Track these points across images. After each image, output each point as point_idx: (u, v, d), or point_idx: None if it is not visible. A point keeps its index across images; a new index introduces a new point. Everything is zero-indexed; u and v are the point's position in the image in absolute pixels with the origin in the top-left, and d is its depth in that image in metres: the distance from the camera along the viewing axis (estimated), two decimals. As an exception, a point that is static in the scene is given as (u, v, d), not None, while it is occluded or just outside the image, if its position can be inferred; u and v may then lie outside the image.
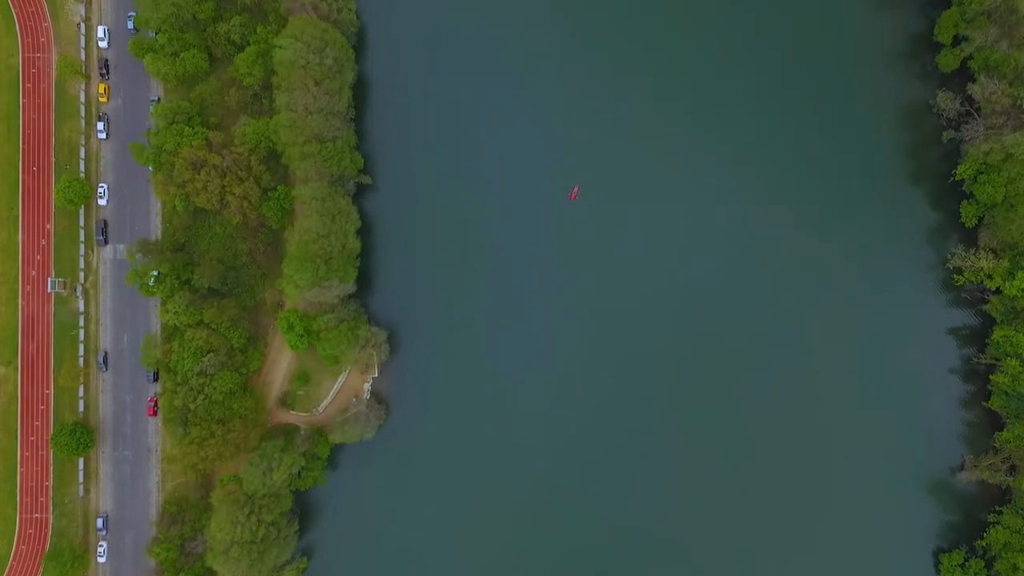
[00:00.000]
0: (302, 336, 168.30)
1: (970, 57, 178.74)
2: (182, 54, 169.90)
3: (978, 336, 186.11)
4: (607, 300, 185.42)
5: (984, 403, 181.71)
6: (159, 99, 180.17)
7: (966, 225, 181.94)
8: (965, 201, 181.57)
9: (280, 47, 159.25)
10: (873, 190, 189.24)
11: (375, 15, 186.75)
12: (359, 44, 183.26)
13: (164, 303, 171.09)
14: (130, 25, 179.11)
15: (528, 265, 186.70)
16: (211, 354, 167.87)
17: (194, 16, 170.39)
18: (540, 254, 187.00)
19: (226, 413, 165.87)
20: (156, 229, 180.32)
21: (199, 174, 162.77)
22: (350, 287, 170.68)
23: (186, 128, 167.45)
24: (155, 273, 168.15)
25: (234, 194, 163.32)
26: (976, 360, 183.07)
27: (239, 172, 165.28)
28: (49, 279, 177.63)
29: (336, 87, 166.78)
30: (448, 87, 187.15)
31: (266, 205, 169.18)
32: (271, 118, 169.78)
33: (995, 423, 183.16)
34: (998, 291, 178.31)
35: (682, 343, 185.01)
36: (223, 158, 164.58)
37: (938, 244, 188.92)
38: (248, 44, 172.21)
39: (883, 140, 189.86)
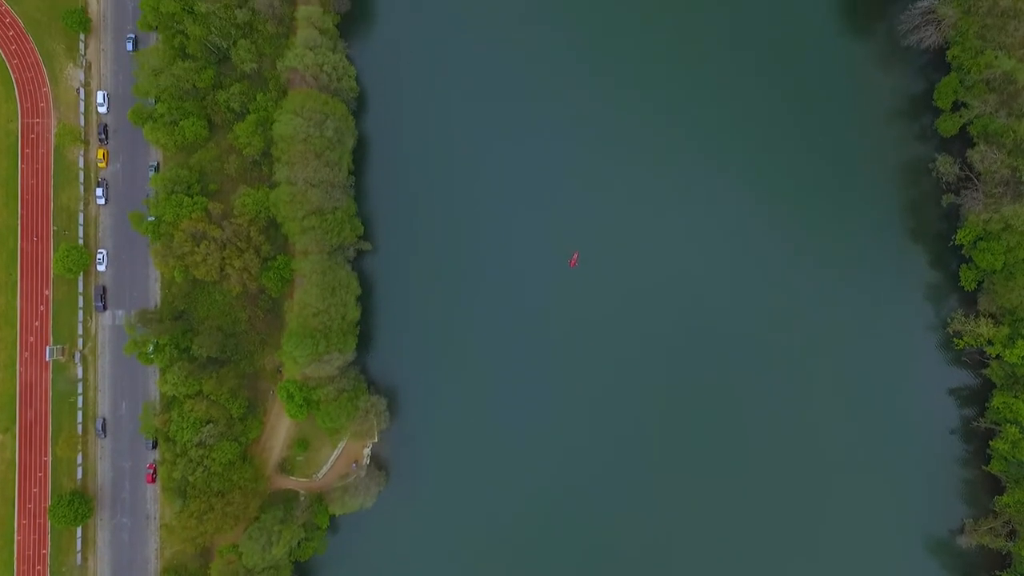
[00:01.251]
0: (302, 406, 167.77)
1: (969, 123, 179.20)
2: (181, 122, 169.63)
3: (978, 397, 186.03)
4: (610, 360, 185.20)
5: (983, 467, 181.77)
6: (158, 165, 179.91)
7: (965, 289, 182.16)
8: (964, 265, 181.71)
9: (280, 122, 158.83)
10: (874, 248, 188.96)
11: (375, 75, 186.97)
12: (359, 104, 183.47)
13: (163, 373, 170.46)
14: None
15: (527, 327, 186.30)
16: (210, 424, 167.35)
17: (194, 84, 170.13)
18: (538, 315, 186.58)
19: (225, 485, 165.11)
20: (155, 295, 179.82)
21: (199, 247, 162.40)
22: (350, 356, 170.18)
23: (185, 199, 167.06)
24: (154, 342, 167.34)
25: (234, 266, 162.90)
26: (976, 423, 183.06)
27: (239, 243, 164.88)
28: (48, 347, 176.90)
29: (336, 156, 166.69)
30: (448, 145, 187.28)
31: (266, 275, 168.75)
32: (271, 188, 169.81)
33: (995, 485, 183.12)
34: (998, 356, 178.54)
35: (695, 407, 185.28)
36: (223, 230, 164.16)
37: (938, 303, 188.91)
38: (248, 112, 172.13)
39: (883, 198, 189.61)
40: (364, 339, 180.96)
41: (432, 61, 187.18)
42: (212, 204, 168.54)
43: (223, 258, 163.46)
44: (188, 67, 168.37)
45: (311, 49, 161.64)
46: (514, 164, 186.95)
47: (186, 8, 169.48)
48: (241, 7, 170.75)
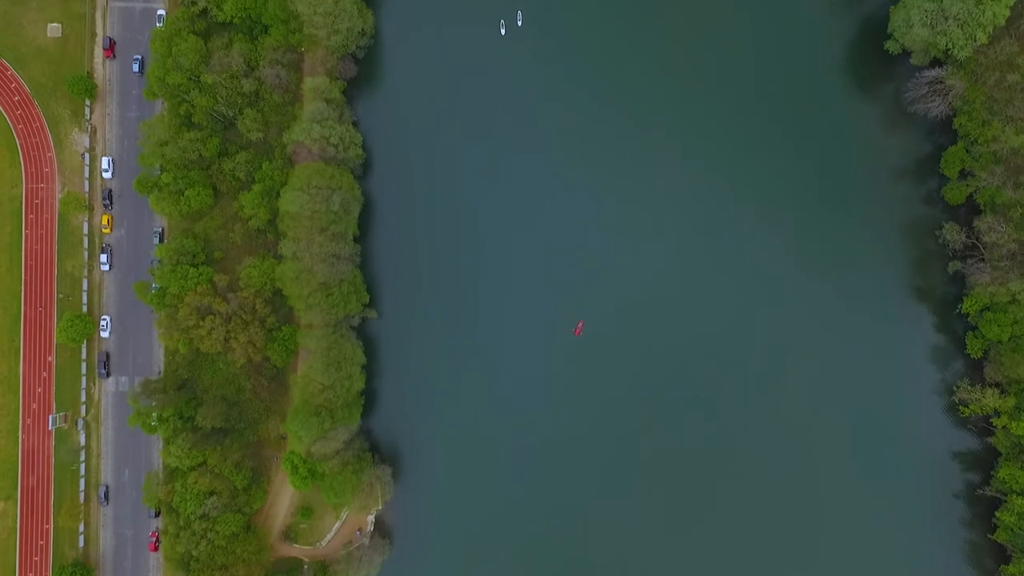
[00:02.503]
0: (306, 478, 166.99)
1: (976, 191, 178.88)
2: (187, 192, 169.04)
3: (983, 463, 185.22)
4: (615, 413, 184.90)
5: (989, 535, 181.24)
6: (163, 231, 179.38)
7: (971, 356, 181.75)
8: (971, 333, 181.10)
9: (286, 199, 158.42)
10: (879, 308, 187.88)
11: (379, 133, 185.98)
12: (364, 164, 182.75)
13: (167, 445, 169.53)
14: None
15: (529, 389, 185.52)
16: (214, 497, 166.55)
17: (199, 154, 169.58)
18: (541, 377, 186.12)
19: (229, 558, 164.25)
20: (158, 361, 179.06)
21: (203, 320, 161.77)
22: (355, 428, 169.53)
23: (190, 270, 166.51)
24: (158, 414, 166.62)
25: (239, 340, 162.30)
26: (981, 490, 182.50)
27: (244, 315, 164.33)
28: (50, 416, 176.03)
29: (342, 228, 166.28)
30: (453, 203, 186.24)
31: (271, 347, 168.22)
32: (276, 257, 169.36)
33: (1000, 551, 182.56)
34: (1004, 427, 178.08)
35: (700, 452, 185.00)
36: (228, 303, 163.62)
37: (943, 366, 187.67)
38: (253, 181, 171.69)
39: (890, 258, 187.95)
40: (368, 400, 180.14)
41: (437, 120, 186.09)
42: (217, 276, 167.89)
43: (228, 331, 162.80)
44: (194, 137, 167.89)
45: (318, 123, 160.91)
46: (517, 221, 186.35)
47: (192, 78, 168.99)
48: (247, 76, 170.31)
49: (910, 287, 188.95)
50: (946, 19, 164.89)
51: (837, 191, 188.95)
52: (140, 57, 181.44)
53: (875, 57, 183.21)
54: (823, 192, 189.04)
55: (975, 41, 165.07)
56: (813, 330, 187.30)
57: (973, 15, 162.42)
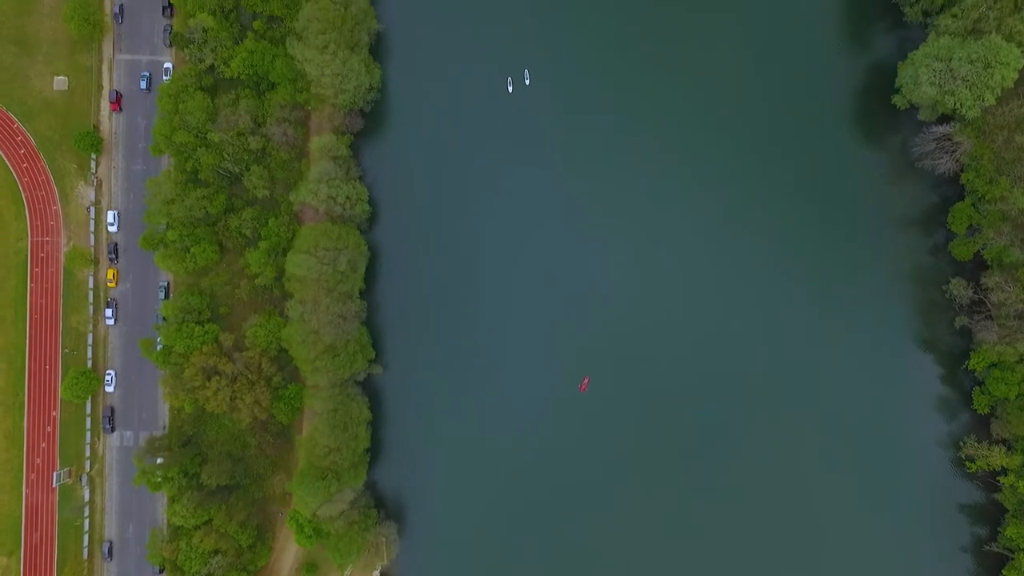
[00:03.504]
0: (311, 536, 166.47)
1: (984, 247, 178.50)
2: (193, 248, 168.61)
3: (990, 518, 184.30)
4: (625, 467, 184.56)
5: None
6: (169, 285, 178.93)
7: (978, 411, 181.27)
8: (977, 388, 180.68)
9: (292, 262, 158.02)
10: (884, 360, 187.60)
11: (385, 186, 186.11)
12: (370, 217, 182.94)
13: (171, 503, 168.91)
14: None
15: (535, 438, 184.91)
16: (219, 556, 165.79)
17: (206, 211, 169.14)
18: (547, 428, 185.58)
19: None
20: (163, 416, 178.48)
21: (209, 382, 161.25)
22: (360, 487, 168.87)
23: (196, 328, 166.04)
24: (163, 474, 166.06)
25: (244, 401, 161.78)
26: (988, 546, 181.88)
27: (249, 376, 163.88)
28: (55, 473, 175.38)
29: (349, 287, 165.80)
30: (458, 251, 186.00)
31: (276, 406, 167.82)
32: (282, 315, 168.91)
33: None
34: (1012, 485, 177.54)
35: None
36: (234, 363, 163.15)
37: (949, 418, 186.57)
38: (260, 237, 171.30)
39: (896, 308, 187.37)
40: (373, 452, 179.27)
41: (442, 171, 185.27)
42: (223, 335, 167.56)
43: (234, 392, 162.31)
44: (200, 195, 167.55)
45: (325, 183, 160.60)
46: (521, 270, 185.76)
47: (199, 135, 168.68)
48: (254, 134, 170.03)
49: (916, 337, 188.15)
50: (954, 79, 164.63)
51: (843, 238, 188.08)
52: (148, 74, 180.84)
53: (882, 107, 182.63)
54: (828, 239, 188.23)
55: (983, 102, 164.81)
56: (817, 378, 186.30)
57: (981, 77, 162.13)
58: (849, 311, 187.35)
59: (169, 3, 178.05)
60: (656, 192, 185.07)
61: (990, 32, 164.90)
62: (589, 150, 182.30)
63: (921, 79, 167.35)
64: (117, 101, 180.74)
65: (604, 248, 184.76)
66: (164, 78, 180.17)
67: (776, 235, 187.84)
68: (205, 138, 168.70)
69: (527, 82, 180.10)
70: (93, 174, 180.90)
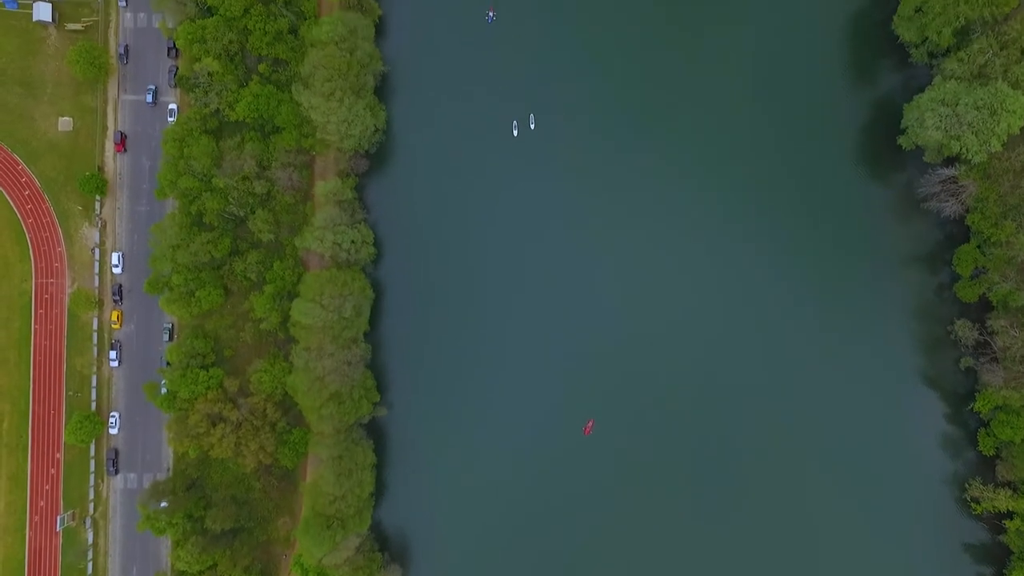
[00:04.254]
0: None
1: (989, 289, 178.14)
2: (198, 292, 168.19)
3: (994, 559, 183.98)
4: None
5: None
6: (173, 327, 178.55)
7: (983, 454, 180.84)
8: (983, 430, 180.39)
9: (297, 310, 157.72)
10: (889, 396, 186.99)
11: (389, 223, 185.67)
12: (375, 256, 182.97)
13: (176, 548, 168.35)
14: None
15: (538, 474, 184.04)
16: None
17: (211, 255, 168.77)
18: (552, 466, 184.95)
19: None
20: (168, 458, 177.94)
21: (214, 428, 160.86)
22: (364, 532, 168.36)
23: (201, 374, 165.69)
24: (167, 520, 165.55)
25: (249, 448, 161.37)
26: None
27: (254, 421, 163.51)
28: (58, 516, 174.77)
29: (354, 332, 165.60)
30: (461, 292, 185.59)
31: (281, 451, 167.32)
32: (287, 359, 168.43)
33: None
34: (1018, 529, 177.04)
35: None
36: (239, 409, 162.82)
37: (954, 455, 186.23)
38: (265, 281, 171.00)
39: (899, 347, 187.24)
40: (377, 491, 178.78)
41: (446, 210, 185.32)
42: (228, 380, 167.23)
43: (238, 438, 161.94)
44: (205, 239, 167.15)
45: (330, 230, 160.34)
46: (524, 309, 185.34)
47: (203, 180, 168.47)
48: (259, 178, 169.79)
49: (921, 375, 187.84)
50: (960, 125, 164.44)
51: (848, 275, 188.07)
52: (154, 87, 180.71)
53: (888, 144, 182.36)
54: (833, 274, 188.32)
55: (990, 148, 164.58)
56: (821, 413, 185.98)
57: (988, 124, 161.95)
58: (855, 346, 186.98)
59: (174, 44, 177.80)
60: (664, 226, 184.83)
61: (996, 78, 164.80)
62: (594, 192, 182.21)
63: (927, 123, 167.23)
64: (122, 142, 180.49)
65: (609, 284, 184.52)
66: (169, 119, 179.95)
67: (780, 271, 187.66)
68: (210, 183, 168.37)
69: (532, 126, 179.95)
70: (98, 215, 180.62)
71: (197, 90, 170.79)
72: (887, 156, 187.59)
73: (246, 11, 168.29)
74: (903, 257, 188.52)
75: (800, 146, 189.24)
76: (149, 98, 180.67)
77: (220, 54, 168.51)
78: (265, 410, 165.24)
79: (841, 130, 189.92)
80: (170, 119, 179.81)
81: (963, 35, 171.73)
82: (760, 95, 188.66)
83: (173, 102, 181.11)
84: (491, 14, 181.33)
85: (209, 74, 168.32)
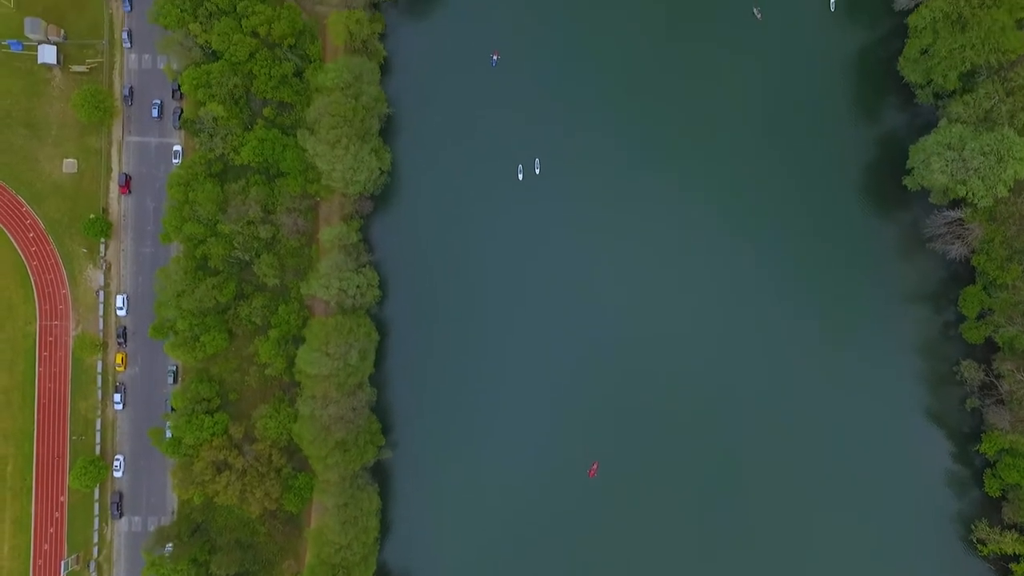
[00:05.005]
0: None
1: (995, 331, 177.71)
2: (203, 337, 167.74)
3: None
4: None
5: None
6: (178, 368, 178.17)
7: (989, 494, 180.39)
8: (989, 471, 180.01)
9: (303, 359, 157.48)
10: (895, 435, 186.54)
11: (393, 262, 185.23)
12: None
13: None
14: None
15: (544, 517, 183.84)
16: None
17: (216, 300, 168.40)
18: (557, 508, 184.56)
19: None
20: (172, 501, 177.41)
21: (219, 475, 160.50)
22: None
23: (206, 419, 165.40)
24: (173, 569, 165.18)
25: (254, 495, 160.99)
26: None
27: (259, 468, 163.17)
28: (63, 561, 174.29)
29: (359, 378, 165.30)
30: (465, 331, 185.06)
31: (286, 496, 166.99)
32: (292, 405, 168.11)
33: None
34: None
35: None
36: (244, 457, 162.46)
37: (960, 493, 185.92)
38: (270, 325, 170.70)
39: (905, 384, 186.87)
40: (381, 531, 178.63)
41: (450, 251, 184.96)
42: (233, 426, 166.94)
43: (244, 485, 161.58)
44: (210, 284, 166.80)
45: (336, 277, 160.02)
46: (529, 348, 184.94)
47: (208, 225, 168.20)
48: (264, 222, 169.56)
49: (927, 412, 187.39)
50: (966, 170, 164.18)
51: (852, 311, 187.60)
52: (159, 102, 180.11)
53: (893, 181, 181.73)
54: (837, 311, 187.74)
55: (996, 194, 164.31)
56: (826, 449, 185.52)
57: (994, 171, 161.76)
58: (859, 381, 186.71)
59: (179, 86, 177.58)
60: (672, 269, 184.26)
61: (1003, 124, 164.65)
62: (599, 238, 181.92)
63: (933, 167, 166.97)
64: (126, 184, 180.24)
65: (615, 328, 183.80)
66: (174, 161, 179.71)
67: (785, 307, 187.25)
68: (215, 228, 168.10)
69: (537, 171, 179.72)
70: (102, 257, 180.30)
71: (202, 135, 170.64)
72: (892, 193, 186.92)
73: (251, 55, 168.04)
74: (909, 293, 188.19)
75: (805, 181, 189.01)
76: (155, 112, 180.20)
77: (225, 98, 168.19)
78: (270, 456, 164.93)
79: (847, 165, 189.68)
80: (175, 161, 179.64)
81: (969, 78, 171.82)
82: (766, 131, 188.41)
83: (177, 143, 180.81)
84: (495, 57, 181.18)
85: (214, 119, 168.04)
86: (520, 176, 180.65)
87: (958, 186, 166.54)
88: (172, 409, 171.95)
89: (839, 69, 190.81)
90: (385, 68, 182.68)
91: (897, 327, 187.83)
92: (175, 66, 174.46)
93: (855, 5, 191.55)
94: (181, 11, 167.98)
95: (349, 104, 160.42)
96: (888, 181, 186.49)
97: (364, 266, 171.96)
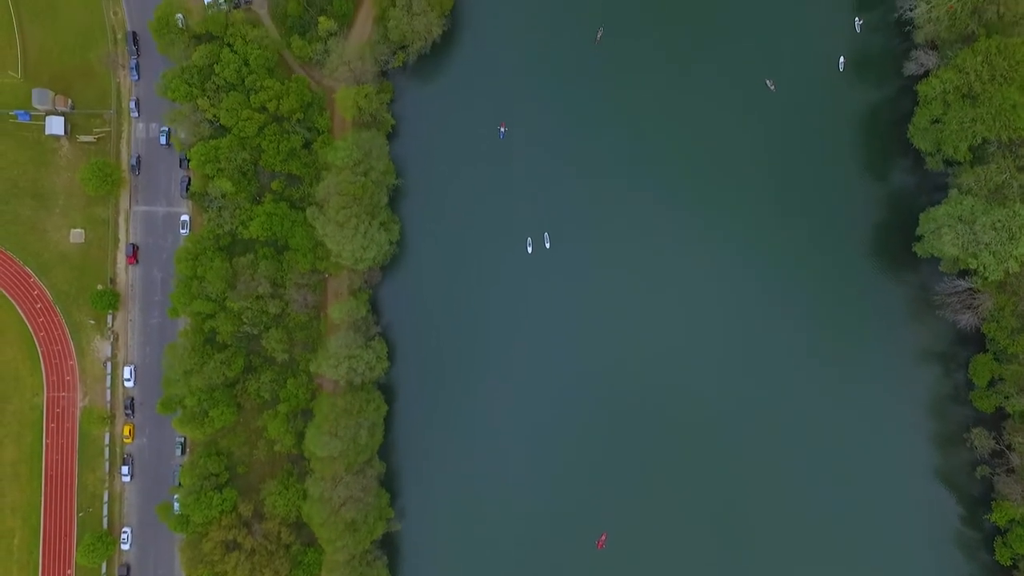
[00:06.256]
0: None
1: (1006, 398, 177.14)
2: (211, 412, 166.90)
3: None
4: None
5: None
6: (186, 441, 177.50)
7: (1001, 564, 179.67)
8: (1000, 539, 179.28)
9: (312, 440, 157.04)
10: (901, 495, 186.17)
11: (399, 325, 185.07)
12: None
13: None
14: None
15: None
16: None
17: (224, 375, 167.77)
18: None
19: None
20: (180, 574, 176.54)
21: (228, 555, 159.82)
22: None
23: (215, 497, 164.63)
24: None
25: (263, 574, 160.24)
26: None
27: (268, 546, 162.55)
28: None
29: (369, 454, 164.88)
30: (471, 403, 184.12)
31: (295, 573, 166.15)
32: (301, 481, 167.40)
33: None
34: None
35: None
36: (253, 536, 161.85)
37: (970, 557, 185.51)
38: (278, 400, 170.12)
39: (914, 445, 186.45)
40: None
41: (456, 317, 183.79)
42: (242, 504, 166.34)
43: (253, 565, 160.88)
44: (219, 359, 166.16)
45: (345, 357, 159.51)
46: (535, 411, 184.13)
47: (217, 301, 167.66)
48: (273, 297, 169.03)
49: (935, 474, 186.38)
50: (978, 243, 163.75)
51: (860, 375, 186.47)
52: (167, 130, 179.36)
53: (903, 244, 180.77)
54: (845, 373, 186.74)
55: (1008, 269, 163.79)
56: (834, 511, 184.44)
57: (1006, 247, 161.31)
58: (867, 443, 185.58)
59: (187, 157, 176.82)
60: (681, 337, 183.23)
61: (1014, 200, 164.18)
62: (609, 313, 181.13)
63: (944, 238, 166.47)
64: (134, 255, 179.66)
65: (627, 399, 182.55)
66: (182, 232, 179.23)
67: (790, 364, 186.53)
68: (223, 304, 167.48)
69: (547, 245, 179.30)
70: (109, 328, 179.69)
71: (211, 210, 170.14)
72: (902, 253, 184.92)
73: (260, 130, 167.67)
74: (918, 354, 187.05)
75: (815, 240, 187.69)
76: (163, 140, 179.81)
77: (234, 173, 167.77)
78: (279, 534, 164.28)
79: (856, 225, 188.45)
80: (182, 232, 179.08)
81: (980, 148, 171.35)
82: (776, 191, 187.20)
83: (185, 213, 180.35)
84: (503, 129, 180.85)
85: (223, 195, 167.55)
86: (530, 249, 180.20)
87: (969, 259, 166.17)
88: (180, 484, 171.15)
89: (849, 129, 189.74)
90: (392, 132, 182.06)
91: (906, 388, 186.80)
92: (183, 137, 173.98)
93: (863, 65, 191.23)
94: (189, 85, 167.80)
95: (359, 182, 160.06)
96: (898, 241, 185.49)
97: (373, 338, 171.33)
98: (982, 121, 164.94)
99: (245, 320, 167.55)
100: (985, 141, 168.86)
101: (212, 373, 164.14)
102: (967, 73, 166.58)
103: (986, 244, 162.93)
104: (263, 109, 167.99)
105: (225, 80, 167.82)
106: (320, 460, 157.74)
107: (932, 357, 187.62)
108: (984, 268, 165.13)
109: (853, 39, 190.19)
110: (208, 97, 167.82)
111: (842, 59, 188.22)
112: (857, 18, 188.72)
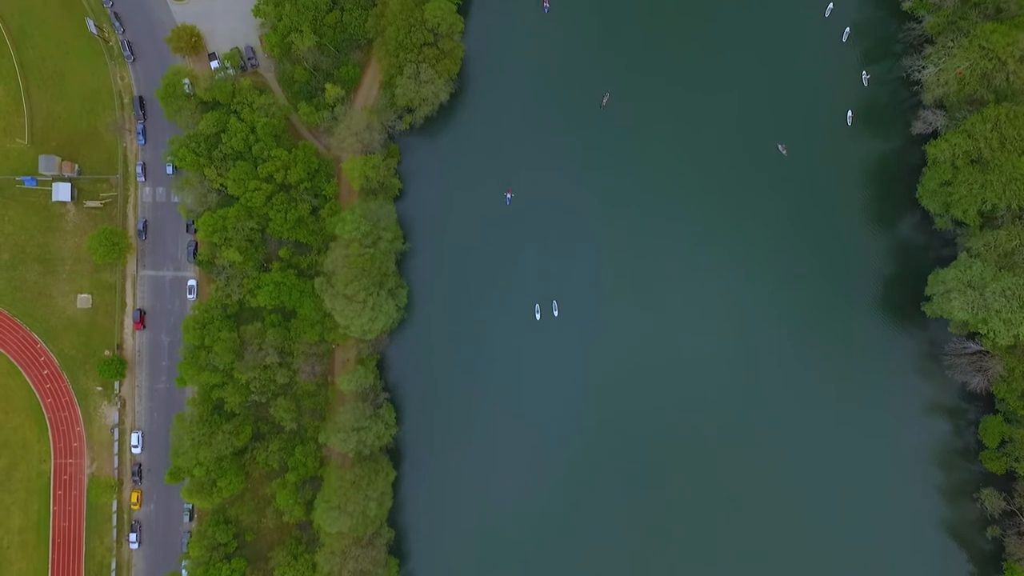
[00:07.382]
0: None
1: (1017, 460, 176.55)
2: (219, 482, 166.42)
3: None
4: None
5: None
6: (194, 508, 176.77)
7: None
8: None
9: (320, 515, 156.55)
10: (909, 555, 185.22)
11: (406, 386, 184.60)
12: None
13: None
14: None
15: None
16: None
17: (232, 445, 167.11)
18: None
19: None
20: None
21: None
22: None
23: (223, 568, 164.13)
24: None
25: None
26: None
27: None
28: None
29: (377, 525, 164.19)
30: (475, 461, 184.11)
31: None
32: (308, 552, 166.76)
33: None
34: None
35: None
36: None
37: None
38: (287, 468, 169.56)
39: (923, 502, 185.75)
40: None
41: (464, 386, 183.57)
42: (251, 574, 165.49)
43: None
44: (227, 429, 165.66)
45: (353, 428, 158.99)
46: (542, 474, 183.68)
47: (224, 372, 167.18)
48: (281, 366, 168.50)
49: (947, 530, 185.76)
50: (987, 309, 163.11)
51: (869, 428, 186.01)
52: (172, 166, 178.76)
53: (913, 298, 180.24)
54: (854, 428, 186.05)
55: (1018, 335, 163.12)
56: (841, 563, 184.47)
57: (1016, 314, 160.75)
58: (876, 499, 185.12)
59: (194, 225, 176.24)
60: (691, 392, 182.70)
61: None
62: (617, 381, 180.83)
63: (953, 302, 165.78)
64: (141, 320, 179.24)
65: (636, 468, 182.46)
66: (189, 296, 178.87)
67: (799, 418, 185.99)
68: (231, 374, 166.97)
69: (556, 313, 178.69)
70: (116, 394, 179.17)
71: (218, 280, 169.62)
72: (910, 309, 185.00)
73: (267, 200, 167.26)
74: (927, 410, 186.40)
75: (824, 295, 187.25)
76: (169, 170, 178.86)
77: (241, 243, 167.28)
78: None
79: (865, 280, 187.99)
80: (189, 296, 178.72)
81: (989, 211, 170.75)
82: (786, 243, 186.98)
83: (192, 278, 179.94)
84: (509, 195, 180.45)
85: (230, 264, 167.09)
86: (538, 316, 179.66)
87: (979, 324, 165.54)
88: (188, 554, 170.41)
89: (858, 182, 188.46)
90: (399, 194, 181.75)
91: (916, 444, 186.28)
92: (189, 204, 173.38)
93: (872, 119, 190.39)
94: (196, 154, 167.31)
95: (367, 254, 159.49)
96: (907, 295, 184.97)
97: (381, 406, 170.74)
98: (991, 188, 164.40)
99: (253, 389, 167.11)
100: (995, 206, 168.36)
101: (221, 443, 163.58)
102: (976, 139, 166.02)
103: (996, 311, 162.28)
104: (270, 179, 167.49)
105: (232, 149, 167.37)
106: (327, 536, 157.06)
107: (942, 412, 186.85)
108: (994, 334, 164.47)
109: (861, 93, 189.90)
110: (215, 166, 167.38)
111: (850, 113, 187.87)
112: (865, 72, 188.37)
